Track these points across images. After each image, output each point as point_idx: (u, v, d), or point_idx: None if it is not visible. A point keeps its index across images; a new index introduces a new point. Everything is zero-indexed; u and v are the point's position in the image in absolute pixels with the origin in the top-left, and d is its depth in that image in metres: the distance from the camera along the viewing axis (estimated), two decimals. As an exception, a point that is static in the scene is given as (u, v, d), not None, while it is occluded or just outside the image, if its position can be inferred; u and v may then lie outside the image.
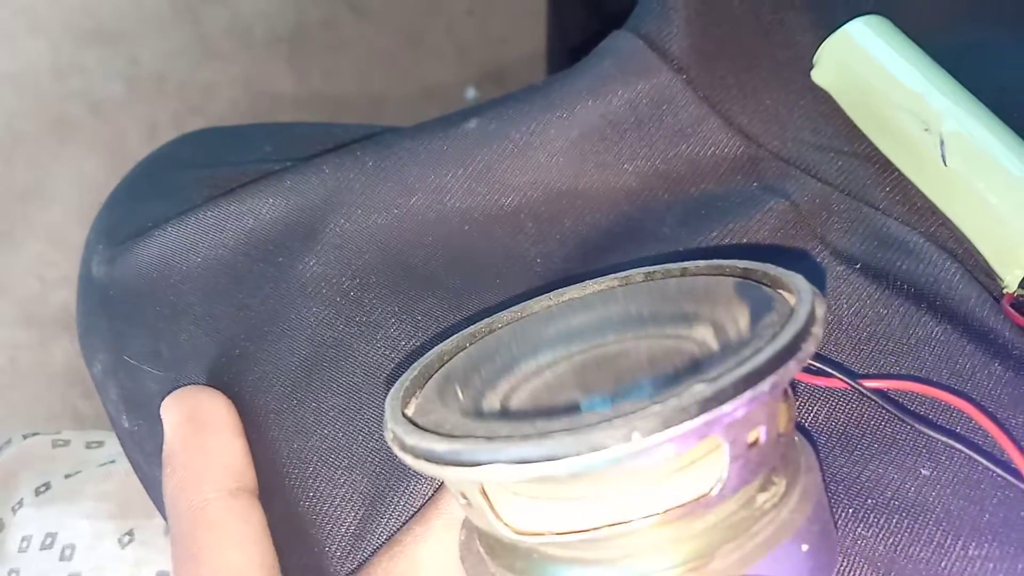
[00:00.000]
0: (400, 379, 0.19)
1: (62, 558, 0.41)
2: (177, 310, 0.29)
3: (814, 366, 0.21)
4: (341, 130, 0.34)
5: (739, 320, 0.18)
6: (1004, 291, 0.24)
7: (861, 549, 0.20)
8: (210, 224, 0.30)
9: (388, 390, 0.20)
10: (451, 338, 0.21)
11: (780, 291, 0.18)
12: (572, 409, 0.17)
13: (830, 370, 0.21)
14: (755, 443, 0.16)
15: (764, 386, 0.14)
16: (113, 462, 0.45)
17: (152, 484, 0.32)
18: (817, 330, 0.16)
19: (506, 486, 0.17)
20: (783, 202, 0.27)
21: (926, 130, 0.27)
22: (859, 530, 0.20)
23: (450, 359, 0.20)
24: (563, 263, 0.27)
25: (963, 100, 0.27)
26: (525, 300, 0.22)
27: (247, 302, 0.29)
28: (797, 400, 0.23)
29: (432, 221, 0.29)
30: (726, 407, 0.14)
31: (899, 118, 0.27)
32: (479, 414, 0.18)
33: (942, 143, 0.26)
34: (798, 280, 0.18)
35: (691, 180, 0.29)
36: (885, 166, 0.28)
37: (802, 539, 0.17)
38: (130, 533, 0.41)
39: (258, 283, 0.29)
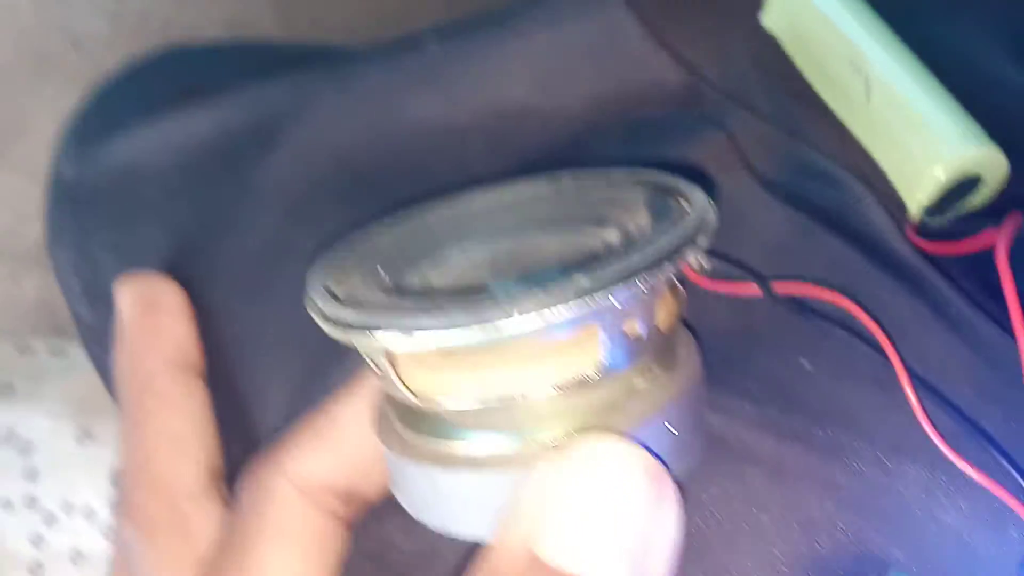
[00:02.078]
0: (326, 253, 0.21)
1: (21, 452, 0.42)
2: (138, 207, 0.31)
3: (731, 270, 0.23)
4: (309, 48, 0.35)
5: (642, 226, 0.20)
6: (909, 219, 0.26)
7: (741, 424, 0.22)
8: (174, 128, 0.32)
9: None
10: (383, 221, 0.22)
11: (684, 202, 0.20)
12: (476, 290, 0.19)
13: (745, 274, 0.23)
14: (633, 334, 0.18)
15: (637, 284, 0.16)
16: (75, 368, 0.47)
17: (109, 375, 0.33)
18: (702, 239, 0.18)
19: (410, 356, 0.19)
20: (720, 134, 0.29)
21: (855, 70, 0.28)
22: (743, 408, 0.22)
23: (379, 238, 0.22)
24: (516, 173, 0.29)
25: (891, 45, 0.28)
26: (460, 193, 0.23)
27: (204, 202, 0.30)
28: (703, 302, 0.25)
29: (387, 135, 0.30)
30: (599, 296, 0.16)
31: (834, 60, 0.29)
32: (390, 290, 0.20)
33: (867, 82, 0.28)
34: (698, 194, 0.20)
35: (636, 107, 0.30)
36: (819, 105, 0.30)
37: (666, 417, 0.19)
38: (88, 432, 0.43)
39: (216, 185, 0.30)
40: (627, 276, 0.17)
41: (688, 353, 0.21)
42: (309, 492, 0.22)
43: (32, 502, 0.41)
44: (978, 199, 0.26)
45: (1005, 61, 0.29)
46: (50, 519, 0.41)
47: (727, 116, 0.30)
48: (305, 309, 0.27)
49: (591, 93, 0.30)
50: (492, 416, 0.18)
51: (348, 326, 0.17)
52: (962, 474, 0.20)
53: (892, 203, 0.26)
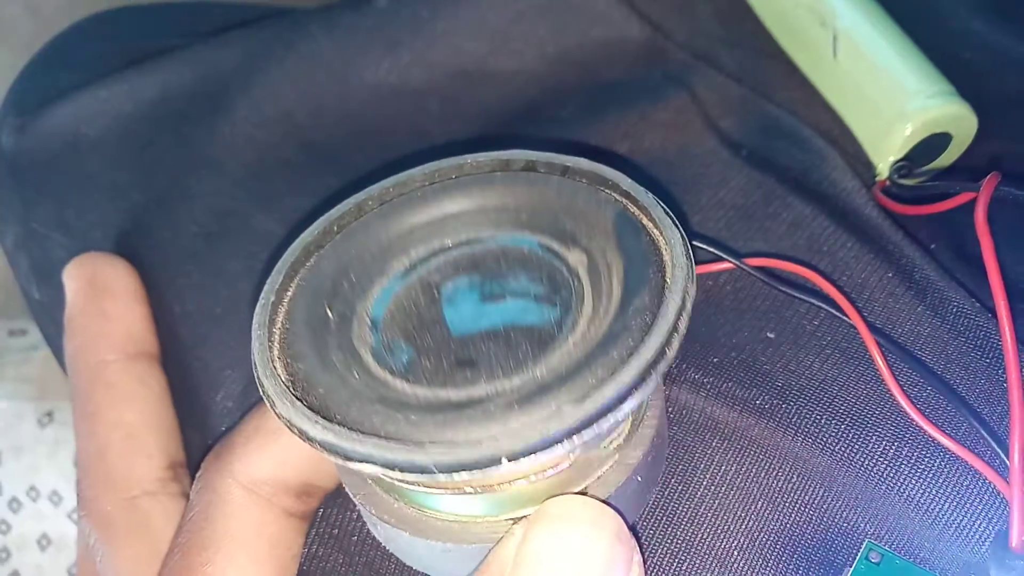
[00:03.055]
0: (265, 290, 0.18)
1: (-20, 436, 0.41)
2: (84, 178, 0.30)
3: (706, 249, 0.23)
4: (258, 8, 0.34)
5: (612, 268, 0.18)
6: (876, 178, 0.25)
7: (705, 397, 0.21)
8: (118, 93, 0.30)
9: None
10: (317, 223, 0.20)
11: (656, 232, 0.18)
12: (440, 363, 0.18)
13: (722, 254, 0.23)
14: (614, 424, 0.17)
15: (627, 407, 0.15)
16: (35, 349, 0.45)
17: (63, 354, 0.32)
18: (683, 326, 0.16)
19: None
20: (683, 93, 0.28)
21: (822, 25, 0.27)
22: (707, 382, 0.22)
23: (316, 251, 0.19)
24: (465, 144, 0.28)
25: (859, 0, 0.27)
26: (397, 168, 0.21)
27: (151, 170, 0.29)
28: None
29: (337, 97, 0.29)
30: (588, 432, 0.15)
31: (800, 15, 0.28)
32: (349, 362, 0.18)
33: (835, 38, 0.27)
34: (675, 243, 0.18)
35: (597, 67, 0.29)
36: (784, 62, 0.29)
37: (637, 473, 0.18)
38: (49, 414, 0.42)
39: (163, 152, 0.29)
40: (616, 404, 0.15)
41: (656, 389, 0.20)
42: (260, 493, 0.21)
43: (-6, 487, 0.40)
44: (947, 158, 0.26)
45: (973, 15, 0.28)
46: (15, 504, 0.40)
47: (691, 75, 0.29)
48: (256, 282, 0.26)
49: (549, 53, 0.29)
50: (468, 496, 0.18)
51: (314, 443, 0.16)
52: (927, 446, 0.20)
53: (859, 164, 0.26)
